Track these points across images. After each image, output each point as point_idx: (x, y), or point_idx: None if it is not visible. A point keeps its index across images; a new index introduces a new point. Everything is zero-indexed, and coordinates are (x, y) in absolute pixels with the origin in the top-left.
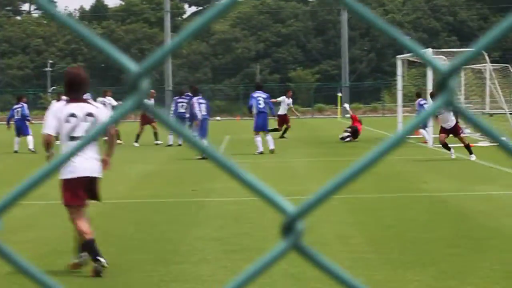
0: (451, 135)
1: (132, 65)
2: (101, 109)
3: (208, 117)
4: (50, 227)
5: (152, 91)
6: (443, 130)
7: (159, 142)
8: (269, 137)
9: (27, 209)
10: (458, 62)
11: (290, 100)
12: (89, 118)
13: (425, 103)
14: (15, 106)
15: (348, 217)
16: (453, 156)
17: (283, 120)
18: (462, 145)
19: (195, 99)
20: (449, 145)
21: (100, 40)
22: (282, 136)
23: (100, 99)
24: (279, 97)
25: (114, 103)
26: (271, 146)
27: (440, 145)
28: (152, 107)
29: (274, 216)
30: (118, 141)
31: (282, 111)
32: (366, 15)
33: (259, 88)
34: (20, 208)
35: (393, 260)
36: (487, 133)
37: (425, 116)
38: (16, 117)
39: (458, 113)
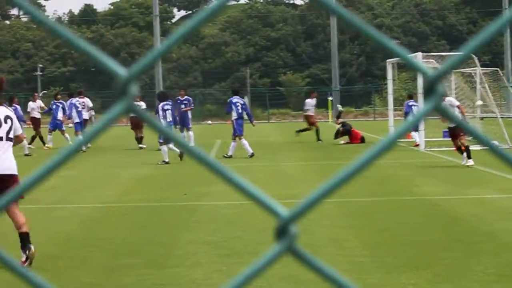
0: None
1: (120, 70)
2: (13, 113)
3: (173, 124)
4: (40, 232)
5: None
6: (450, 132)
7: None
8: (234, 143)
9: None
10: (446, 67)
11: (314, 101)
12: (8, 120)
13: (413, 105)
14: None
15: (342, 220)
16: (464, 162)
17: (311, 121)
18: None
19: (160, 105)
20: (470, 152)
21: (89, 45)
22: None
23: (76, 99)
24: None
25: (90, 104)
26: (230, 152)
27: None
28: (141, 112)
29: (267, 220)
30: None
31: (310, 112)
32: (354, 21)
33: (236, 93)
34: None
35: (387, 264)
36: (476, 137)
37: (415, 120)
38: None
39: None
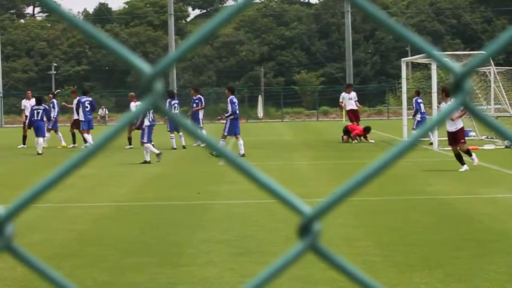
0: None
1: (145, 67)
2: None
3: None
4: (54, 230)
5: (132, 94)
6: (449, 136)
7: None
8: (241, 141)
9: (30, 212)
10: (473, 64)
11: (353, 94)
12: None
13: (421, 102)
14: (35, 107)
15: (354, 220)
16: (463, 169)
17: (355, 115)
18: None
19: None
20: (463, 158)
21: (115, 42)
22: (365, 137)
23: (85, 98)
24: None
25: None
26: (242, 151)
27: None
28: (166, 109)
29: (279, 219)
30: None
31: (350, 106)
32: (382, 17)
33: (234, 92)
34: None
35: (399, 263)
36: (503, 134)
37: (442, 118)
38: (35, 118)
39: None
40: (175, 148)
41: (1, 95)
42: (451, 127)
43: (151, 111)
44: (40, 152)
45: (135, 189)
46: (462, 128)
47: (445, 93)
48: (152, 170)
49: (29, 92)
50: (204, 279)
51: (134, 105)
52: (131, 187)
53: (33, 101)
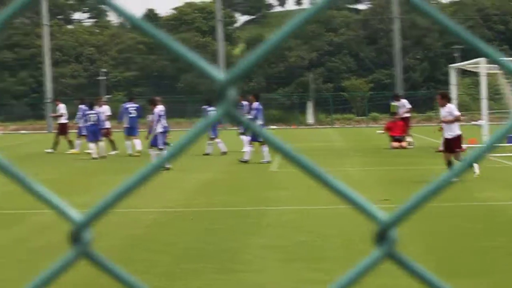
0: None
1: (218, 74)
2: None
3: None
4: (105, 236)
5: (158, 98)
6: (445, 142)
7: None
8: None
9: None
10: None
11: (402, 102)
12: None
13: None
14: (88, 112)
15: (403, 225)
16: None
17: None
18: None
19: (156, 110)
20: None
21: (184, 48)
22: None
23: (130, 104)
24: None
25: (108, 112)
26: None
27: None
28: (240, 116)
29: (332, 225)
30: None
31: (400, 115)
32: (438, 16)
33: (259, 99)
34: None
35: (447, 269)
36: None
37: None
38: (89, 123)
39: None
40: (225, 153)
41: (50, 101)
42: (447, 133)
43: (163, 117)
44: (103, 155)
45: (185, 195)
46: (460, 135)
47: (442, 98)
48: (201, 176)
49: (58, 100)
50: (259, 285)
51: (157, 111)
52: (181, 193)
53: (61, 106)
